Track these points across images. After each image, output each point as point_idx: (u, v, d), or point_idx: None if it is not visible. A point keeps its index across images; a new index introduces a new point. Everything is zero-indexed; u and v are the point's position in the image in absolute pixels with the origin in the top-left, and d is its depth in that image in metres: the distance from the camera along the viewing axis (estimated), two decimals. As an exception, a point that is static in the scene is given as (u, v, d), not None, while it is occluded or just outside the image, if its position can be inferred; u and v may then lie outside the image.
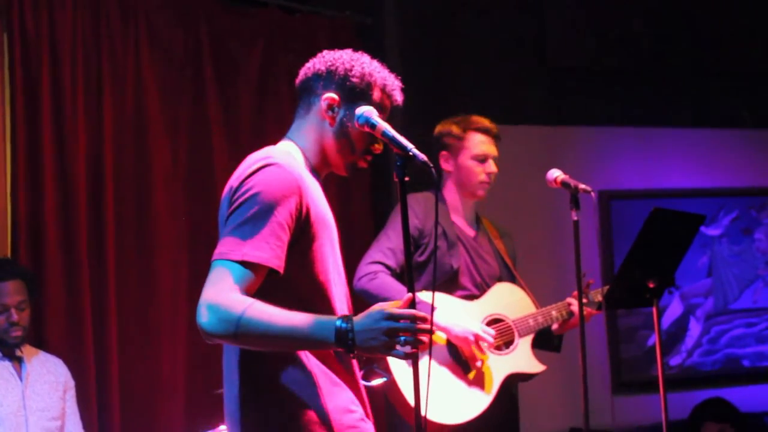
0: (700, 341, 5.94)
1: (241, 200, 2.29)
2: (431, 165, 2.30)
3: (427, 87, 5.20)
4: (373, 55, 2.58)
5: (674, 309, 5.88)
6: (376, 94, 2.49)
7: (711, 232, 5.96)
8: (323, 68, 2.51)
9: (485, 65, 5.51)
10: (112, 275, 4.35)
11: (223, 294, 2.18)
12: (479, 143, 3.91)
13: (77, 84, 4.34)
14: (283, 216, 2.27)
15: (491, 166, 3.91)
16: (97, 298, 4.30)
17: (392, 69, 2.58)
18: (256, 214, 2.25)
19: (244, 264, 2.21)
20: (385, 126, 2.36)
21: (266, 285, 2.26)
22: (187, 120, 4.68)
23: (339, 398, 2.36)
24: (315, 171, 2.50)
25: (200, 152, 4.69)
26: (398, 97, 2.55)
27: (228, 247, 2.24)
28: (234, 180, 2.36)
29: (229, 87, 4.82)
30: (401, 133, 2.35)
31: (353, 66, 2.50)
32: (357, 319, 2.22)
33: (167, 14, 4.67)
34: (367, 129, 2.38)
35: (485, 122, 3.95)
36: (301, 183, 2.34)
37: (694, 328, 5.93)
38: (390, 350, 2.20)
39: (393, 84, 2.53)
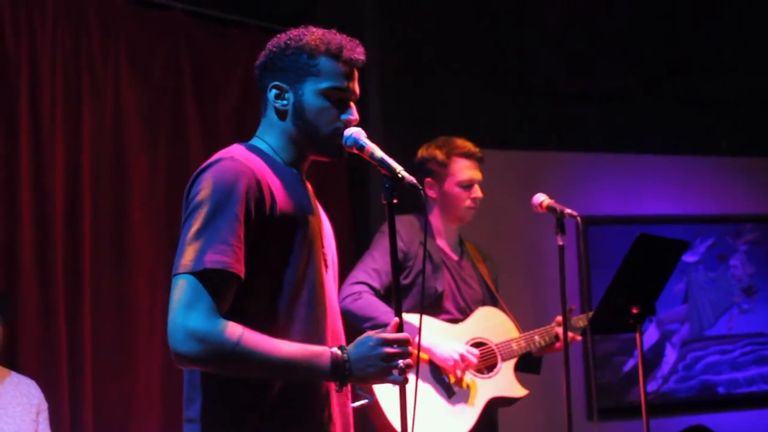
0: (676, 367, 5.95)
1: (194, 202, 2.13)
2: (420, 187, 2.27)
3: (407, 113, 5.20)
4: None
5: (650, 335, 5.89)
6: (324, 62, 2.28)
7: (687, 258, 5.98)
8: (263, 59, 2.35)
9: (465, 90, 5.51)
10: (87, 294, 4.28)
11: (207, 320, 2.04)
12: (464, 169, 3.86)
13: (56, 101, 4.29)
14: (239, 210, 2.11)
15: (477, 192, 3.88)
16: (72, 318, 4.23)
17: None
18: (210, 217, 2.09)
19: (212, 273, 2.06)
20: (373, 147, 2.29)
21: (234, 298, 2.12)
22: (167, 139, 4.64)
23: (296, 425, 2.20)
24: (291, 166, 2.32)
25: (179, 171, 4.64)
26: (353, 54, 2.29)
27: (190, 256, 2.07)
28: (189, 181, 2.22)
29: (210, 106, 4.79)
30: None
31: (287, 43, 2.31)
32: (350, 347, 2.16)
33: (148, 34, 4.63)
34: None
35: (469, 146, 3.89)
36: (261, 175, 2.18)
37: (670, 355, 5.94)
38: (387, 376, 2.15)
39: (341, 43, 2.29)
